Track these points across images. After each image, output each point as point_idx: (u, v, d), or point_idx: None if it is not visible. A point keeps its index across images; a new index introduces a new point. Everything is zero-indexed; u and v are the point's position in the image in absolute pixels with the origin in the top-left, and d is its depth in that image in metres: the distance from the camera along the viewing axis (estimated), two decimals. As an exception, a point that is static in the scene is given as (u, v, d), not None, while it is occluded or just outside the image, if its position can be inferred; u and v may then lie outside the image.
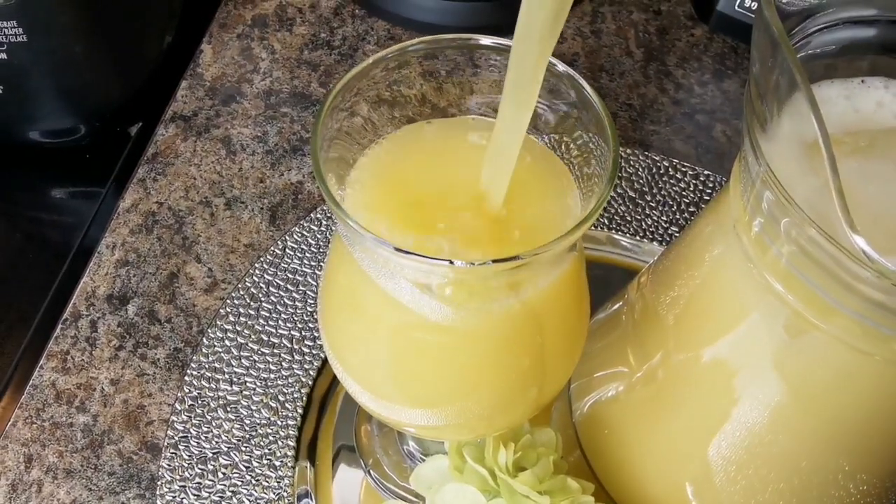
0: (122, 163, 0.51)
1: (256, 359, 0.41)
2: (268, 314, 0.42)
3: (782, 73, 0.23)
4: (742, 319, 0.29)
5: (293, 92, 0.52)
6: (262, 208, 0.47)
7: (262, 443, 0.38)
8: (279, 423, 0.39)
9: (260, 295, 0.42)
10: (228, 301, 0.42)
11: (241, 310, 0.42)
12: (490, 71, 0.29)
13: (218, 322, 0.41)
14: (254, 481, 0.38)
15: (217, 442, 0.38)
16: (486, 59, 0.29)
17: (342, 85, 0.27)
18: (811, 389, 0.29)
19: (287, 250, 0.44)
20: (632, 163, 0.47)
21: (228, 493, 0.37)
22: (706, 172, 0.47)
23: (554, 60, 0.27)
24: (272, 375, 0.40)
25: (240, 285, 0.42)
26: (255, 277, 0.43)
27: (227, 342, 0.41)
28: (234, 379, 0.40)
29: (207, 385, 0.40)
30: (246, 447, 0.38)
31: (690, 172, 0.47)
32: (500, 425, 0.32)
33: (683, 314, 0.32)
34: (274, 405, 0.39)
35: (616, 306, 0.37)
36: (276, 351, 0.41)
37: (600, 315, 0.38)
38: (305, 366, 0.41)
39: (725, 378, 0.30)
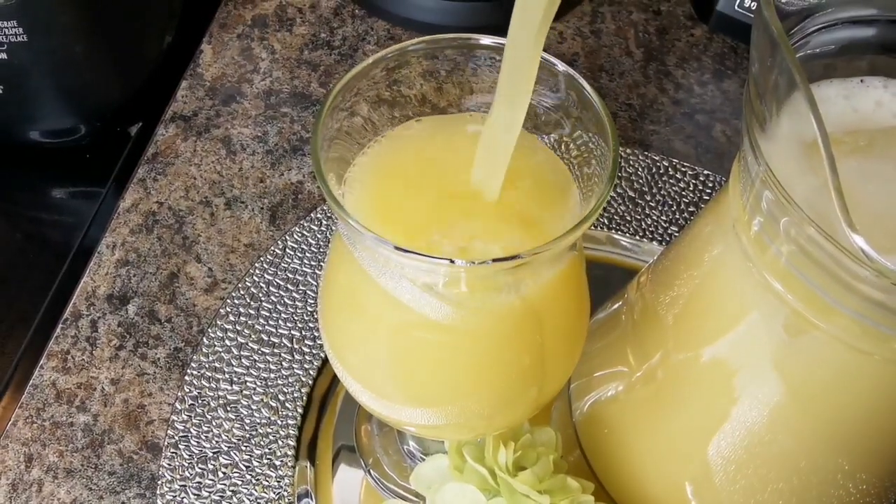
0: (122, 163, 0.51)
1: (257, 358, 0.41)
2: (268, 314, 0.42)
3: (781, 73, 0.23)
4: (741, 319, 0.29)
5: (293, 92, 0.52)
6: (262, 208, 0.47)
7: (262, 442, 0.38)
8: (279, 422, 0.39)
9: (260, 295, 0.42)
10: (229, 301, 0.42)
11: (242, 309, 0.42)
12: (490, 71, 0.29)
13: (218, 322, 0.41)
14: (254, 481, 0.38)
15: (217, 441, 0.38)
16: (485, 58, 0.29)
17: (342, 85, 0.27)
18: (810, 389, 0.29)
19: (287, 250, 0.44)
20: (631, 162, 0.47)
21: (229, 493, 0.37)
22: (706, 172, 0.47)
23: (554, 60, 0.27)
24: (272, 375, 0.40)
25: (240, 285, 0.42)
26: (255, 277, 0.43)
27: (227, 342, 0.41)
28: (235, 378, 0.40)
29: (208, 385, 0.40)
30: (246, 447, 0.38)
31: (690, 172, 0.47)
32: (500, 424, 0.32)
33: (683, 314, 0.32)
34: (274, 405, 0.39)
35: (616, 306, 0.37)
36: (276, 350, 0.41)
37: (600, 315, 0.38)
38: (305, 365, 0.41)
39: (725, 377, 0.30)
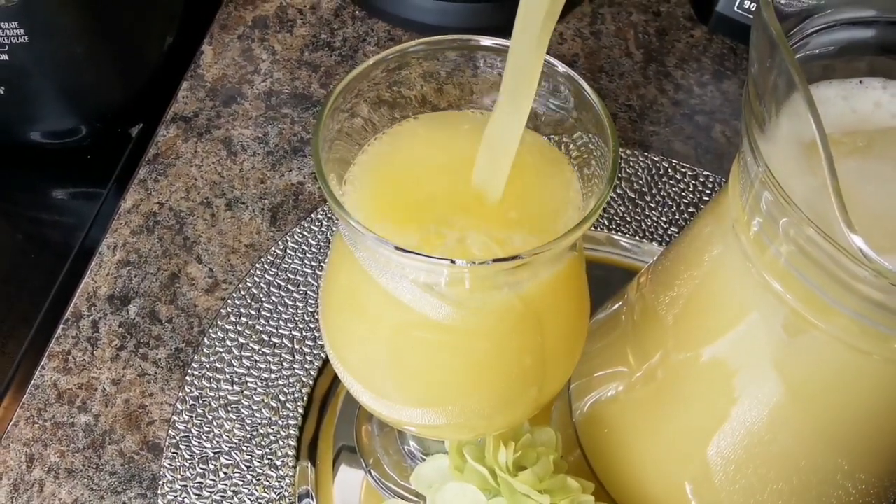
0: (123, 163, 0.51)
1: (257, 359, 0.41)
2: (269, 314, 0.42)
3: (780, 74, 0.23)
4: (741, 319, 0.29)
5: (294, 93, 0.52)
6: (262, 209, 0.47)
7: (263, 442, 0.39)
8: (280, 422, 0.39)
9: (261, 295, 0.42)
10: (229, 301, 0.42)
11: (242, 310, 0.42)
12: (490, 72, 0.29)
13: (219, 322, 0.41)
14: (255, 481, 0.38)
15: (218, 442, 0.38)
16: (486, 60, 0.29)
17: (343, 86, 0.27)
18: (810, 389, 0.29)
19: (288, 251, 0.44)
20: (631, 163, 0.47)
21: (230, 493, 0.37)
22: (705, 173, 0.47)
23: (554, 61, 0.27)
24: (273, 375, 0.40)
25: (241, 285, 0.43)
26: (255, 278, 0.43)
27: (228, 342, 0.41)
28: (236, 379, 0.40)
29: (208, 385, 0.40)
30: (247, 447, 0.38)
31: (690, 173, 0.47)
32: (501, 424, 0.32)
33: (683, 314, 0.32)
34: (275, 405, 0.40)
35: (616, 306, 0.37)
36: (276, 351, 0.41)
37: (600, 315, 0.38)
38: (306, 366, 0.41)
39: (724, 377, 0.30)
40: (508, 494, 0.32)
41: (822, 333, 0.27)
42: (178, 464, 0.38)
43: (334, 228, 0.45)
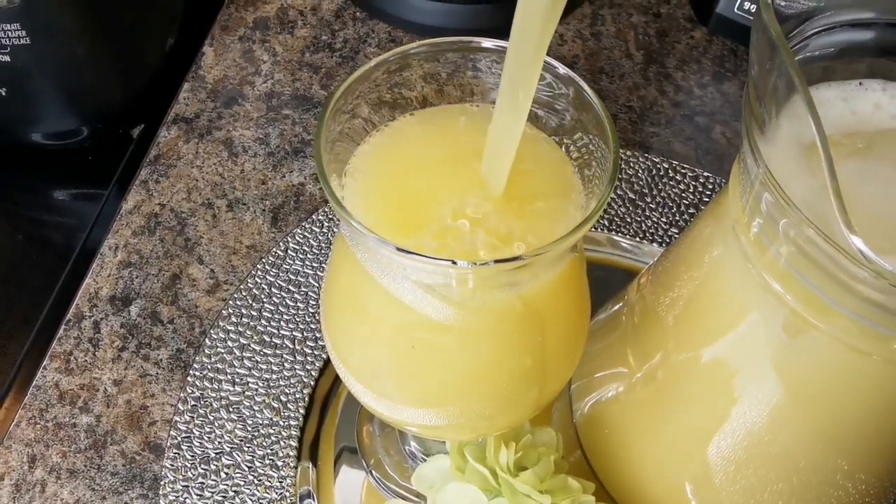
0: (124, 164, 0.51)
1: (259, 359, 0.41)
2: (270, 315, 0.42)
3: (780, 76, 0.23)
4: (741, 320, 0.29)
5: (294, 94, 0.52)
6: (263, 210, 0.47)
7: (264, 443, 0.39)
8: (281, 423, 0.39)
9: (262, 296, 0.42)
10: (231, 302, 0.42)
11: (244, 311, 0.42)
12: (491, 73, 0.29)
13: (220, 323, 0.42)
14: (256, 481, 0.38)
15: (220, 442, 0.39)
16: (486, 61, 0.29)
17: (345, 88, 0.27)
18: (810, 389, 0.29)
19: (289, 251, 0.44)
20: (632, 164, 0.47)
21: (231, 493, 0.37)
22: (706, 174, 0.47)
23: (555, 63, 0.27)
24: (274, 376, 0.40)
25: (242, 286, 0.43)
26: (257, 278, 0.43)
27: (229, 343, 0.41)
28: (237, 379, 0.40)
29: (210, 385, 0.40)
30: (248, 447, 0.38)
31: (690, 174, 0.47)
32: (502, 425, 0.32)
33: (683, 315, 0.32)
34: (276, 405, 0.40)
35: (616, 307, 0.37)
36: (278, 352, 0.41)
37: (601, 316, 0.38)
38: (307, 366, 0.41)
39: (725, 378, 0.30)
40: (509, 495, 0.32)
41: (822, 334, 0.27)
42: (180, 464, 0.38)
43: (335, 229, 0.45)
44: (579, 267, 0.29)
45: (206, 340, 0.41)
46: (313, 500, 0.38)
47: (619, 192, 0.47)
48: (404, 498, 0.38)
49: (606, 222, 0.46)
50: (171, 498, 0.37)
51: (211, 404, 0.39)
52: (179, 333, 0.43)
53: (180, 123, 0.50)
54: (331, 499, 0.38)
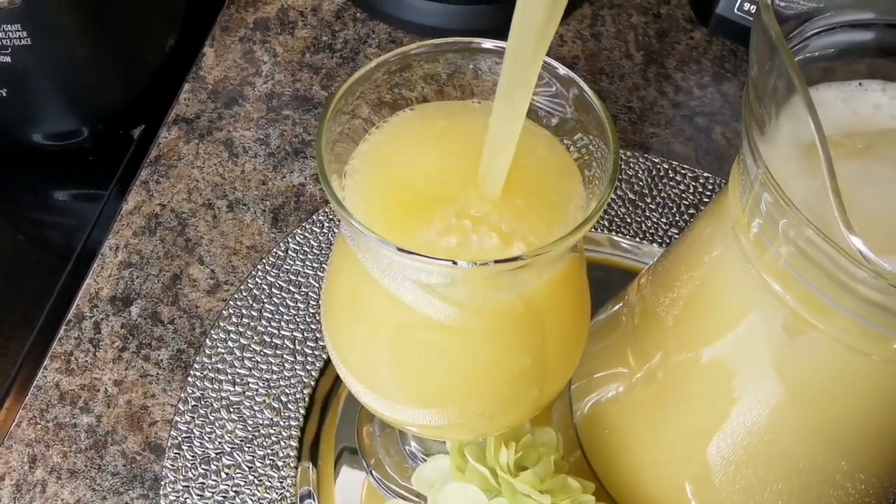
0: (124, 165, 0.51)
1: (259, 360, 0.41)
2: (270, 315, 0.42)
3: (780, 77, 0.23)
4: (741, 320, 0.29)
5: (295, 95, 0.52)
6: (264, 210, 0.47)
7: (264, 443, 0.39)
8: (282, 423, 0.39)
9: (262, 296, 0.42)
10: (231, 302, 0.42)
11: (244, 311, 0.42)
12: (491, 74, 0.29)
13: (221, 323, 0.42)
14: (256, 481, 0.38)
15: (220, 442, 0.39)
16: (486, 62, 0.29)
17: (345, 89, 0.27)
18: (810, 389, 0.29)
19: (289, 252, 0.44)
20: (632, 165, 0.47)
21: (231, 494, 0.37)
22: (705, 174, 0.47)
23: (555, 63, 0.27)
24: (275, 376, 0.40)
25: (242, 287, 0.43)
26: (257, 279, 0.43)
27: (229, 343, 0.41)
28: (237, 380, 0.40)
29: (210, 386, 0.40)
30: (249, 447, 0.39)
31: (690, 174, 0.47)
32: (502, 425, 0.32)
33: (683, 315, 0.32)
34: (276, 406, 0.40)
35: (616, 307, 0.37)
36: (278, 352, 0.41)
37: (601, 316, 0.38)
38: (308, 366, 0.41)
39: (724, 378, 0.30)
40: (509, 495, 0.32)
41: (822, 334, 0.27)
42: (180, 464, 0.38)
43: (336, 230, 0.45)
44: (579, 267, 0.29)
45: (207, 341, 0.41)
46: (313, 500, 0.38)
47: (619, 192, 0.47)
48: (404, 498, 0.38)
49: (606, 223, 0.46)
50: (171, 498, 0.37)
51: (211, 404, 0.39)
52: (180, 334, 0.43)
53: (181, 124, 0.50)
54: (331, 499, 0.38)
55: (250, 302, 0.42)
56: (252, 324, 0.42)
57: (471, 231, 0.26)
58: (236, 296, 0.42)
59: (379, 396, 0.30)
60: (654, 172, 0.47)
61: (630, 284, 0.37)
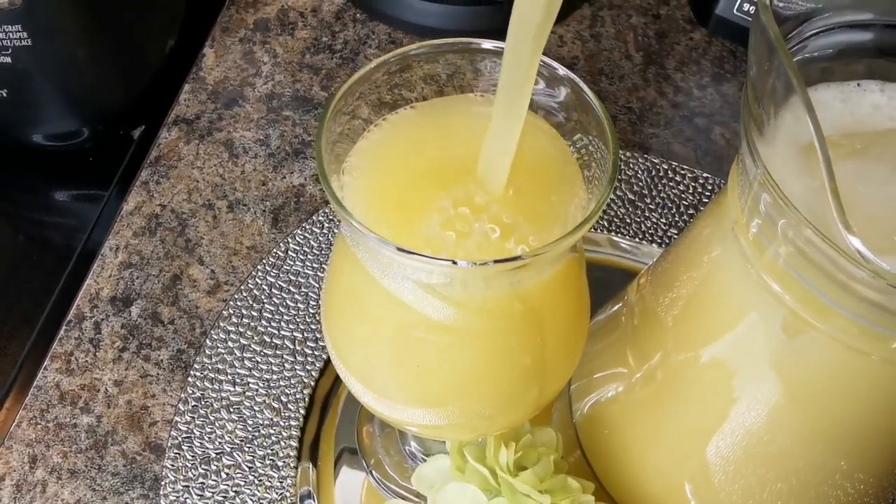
0: (125, 166, 0.51)
1: (259, 360, 0.41)
2: (270, 316, 0.42)
3: (779, 77, 0.23)
4: (740, 320, 0.29)
5: (295, 95, 0.52)
6: (264, 211, 0.47)
7: (264, 443, 0.39)
8: (282, 423, 0.39)
9: (262, 297, 0.42)
10: (231, 303, 0.42)
11: (244, 311, 0.42)
12: (491, 74, 0.29)
13: (221, 323, 0.42)
14: (256, 482, 0.38)
15: (220, 442, 0.39)
16: (486, 62, 0.29)
17: (345, 89, 0.27)
18: (809, 389, 0.29)
19: (289, 252, 0.44)
20: (631, 165, 0.48)
21: (231, 494, 0.37)
22: (705, 175, 0.47)
23: (554, 64, 0.27)
24: (275, 376, 0.40)
25: (242, 287, 0.43)
26: (257, 279, 0.43)
27: (229, 343, 0.41)
28: (237, 380, 0.40)
29: (210, 386, 0.40)
30: (249, 448, 0.39)
31: (689, 175, 0.47)
32: (502, 425, 0.32)
33: (682, 315, 0.32)
34: (276, 406, 0.40)
35: (616, 307, 0.38)
36: (278, 352, 0.41)
37: (600, 316, 0.38)
38: (308, 367, 0.41)
39: (724, 378, 0.30)
40: (509, 494, 0.32)
41: (821, 334, 0.27)
42: (181, 464, 0.38)
43: (336, 230, 0.45)
44: (579, 267, 0.29)
45: (207, 341, 0.41)
46: (313, 500, 0.38)
47: (618, 192, 0.47)
48: (404, 498, 0.38)
49: (606, 223, 0.46)
50: (171, 498, 0.37)
51: (211, 405, 0.40)
52: (180, 334, 0.43)
53: (181, 125, 0.50)
54: (331, 499, 0.38)
55: (250, 302, 0.42)
56: (252, 324, 0.42)
57: (471, 230, 0.26)
58: (236, 296, 0.42)
59: (379, 396, 0.31)
60: (653, 173, 0.47)
61: (630, 285, 0.37)
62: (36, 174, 0.51)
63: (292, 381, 0.40)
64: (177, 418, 0.39)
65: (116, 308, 0.43)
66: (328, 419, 0.40)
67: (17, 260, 0.48)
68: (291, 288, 0.43)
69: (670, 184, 0.47)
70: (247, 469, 0.38)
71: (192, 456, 0.38)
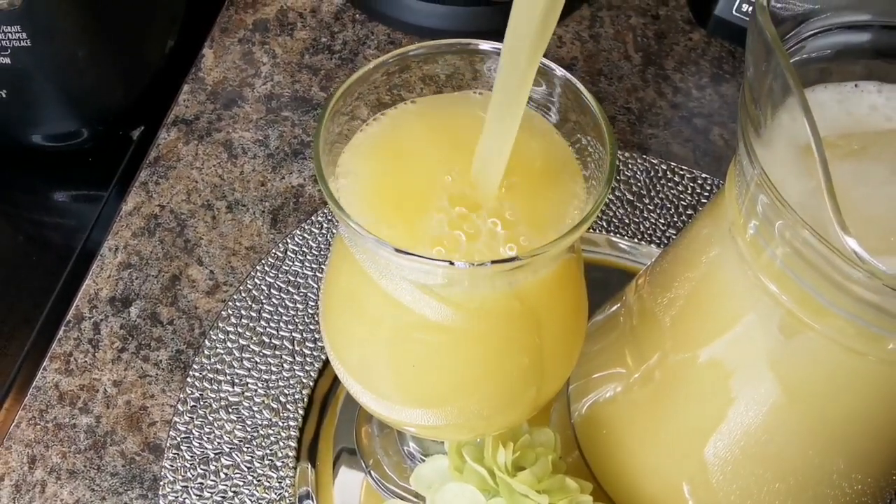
0: (124, 166, 0.51)
1: (258, 360, 0.41)
2: (269, 316, 0.42)
3: (776, 78, 0.23)
4: (738, 320, 0.29)
5: (294, 96, 0.52)
6: (263, 211, 0.47)
7: (263, 443, 0.39)
8: (280, 423, 0.39)
9: (261, 297, 0.43)
10: (230, 303, 0.42)
11: (243, 312, 0.42)
12: (489, 75, 0.29)
13: (220, 324, 0.42)
14: (255, 482, 0.38)
15: (219, 443, 0.39)
16: (485, 63, 0.29)
17: (344, 89, 0.27)
18: (806, 389, 0.29)
19: (288, 253, 0.44)
20: (630, 166, 0.48)
21: (230, 494, 0.37)
22: (703, 175, 0.47)
23: (552, 65, 0.27)
24: (273, 377, 0.41)
25: (241, 287, 0.43)
26: (256, 280, 0.43)
27: (228, 344, 0.41)
28: (236, 380, 0.40)
29: (209, 386, 0.40)
30: (248, 448, 0.39)
31: (688, 175, 0.47)
32: (500, 425, 0.32)
33: (680, 315, 0.32)
34: (275, 406, 0.40)
35: (614, 308, 0.38)
36: (277, 352, 0.41)
37: (599, 317, 0.39)
38: (306, 367, 0.41)
39: (721, 378, 0.30)
40: (507, 494, 0.32)
41: (818, 335, 0.27)
42: (179, 465, 0.38)
43: (334, 231, 0.45)
44: (576, 267, 0.30)
45: (206, 341, 0.41)
46: (312, 500, 0.38)
47: (617, 193, 0.47)
48: (403, 498, 0.38)
49: (605, 223, 0.46)
50: (170, 498, 0.37)
51: (210, 405, 0.40)
52: (179, 334, 0.43)
53: (180, 125, 0.50)
54: (330, 499, 0.39)
55: (249, 303, 0.42)
56: (251, 324, 0.42)
57: (469, 231, 0.26)
58: (235, 296, 0.42)
59: (377, 397, 0.31)
60: (652, 173, 0.47)
61: (628, 285, 0.37)
62: (35, 174, 0.51)
63: (291, 382, 0.40)
64: (175, 418, 0.39)
65: (115, 308, 0.44)
66: (327, 419, 0.41)
67: (16, 260, 0.48)
68: (290, 288, 0.43)
69: (669, 184, 0.47)
70: (245, 469, 0.38)
71: (191, 456, 0.38)
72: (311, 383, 0.41)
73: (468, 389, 0.29)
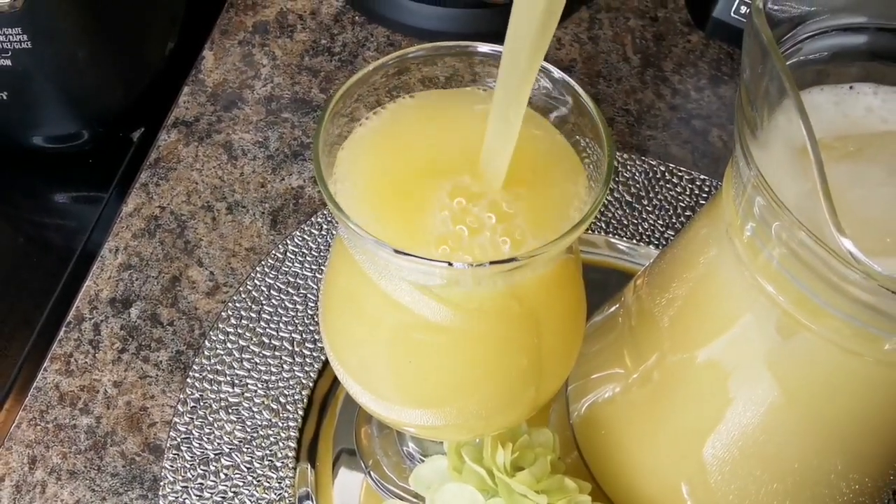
0: (124, 168, 0.51)
1: (258, 361, 0.41)
2: (269, 317, 0.42)
3: (772, 80, 0.23)
4: (735, 321, 0.29)
5: (294, 98, 0.52)
6: (263, 212, 0.47)
7: (263, 444, 0.39)
8: (280, 424, 0.39)
9: (261, 298, 0.43)
10: (230, 304, 0.42)
11: (243, 313, 0.42)
12: (488, 77, 0.29)
13: (220, 325, 0.42)
14: (255, 482, 0.38)
15: (219, 443, 0.39)
16: (484, 66, 0.29)
17: (343, 91, 0.27)
18: (803, 390, 0.29)
19: (288, 254, 0.44)
20: (628, 167, 0.48)
21: (230, 494, 0.38)
22: (702, 177, 0.48)
23: (550, 67, 0.27)
24: (273, 377, 0.41)
25: (241, 288, 0.43)
26: (256, 281, 0.43)
27: (228, 345, 0.41)
28: (236, 381, 0.40)
29: (209, 387, 0.40)
30: (247, 448, 0.39)
31: (686, 177, 0.48)
32: (499, 425, 0.32)
33: (678, 316, 0.32)
34: (275, 407, 0.40)
35: (613, 309, 0.38)
36: (277, 353, 0.41)
37: (597, 318, 0.39)
38: (306, 368, 0.41)
39: (719, 379, 0.31)
40: (506, 495, 0.33)
41: (815, 335, 0.27)
42: (179, 465, 0.38)
43: (334, 232, 0.45)
44: (575, 268, 0.30)
45: (206, 342, 0.41)
46: (312, 501, 0.38)
47: (616, 194, 0.47)
48: (402, 498, 0.38)
49: (604, 224, 0.46)
50: (170, 499, 0.37)
51: (210, 406, 0.40)
52: (179, 335, 0.43)
53: (180, 127, 0.51)
54: (329, 500, 0.39)
55: (249, 304, 0.42)
56: (251, 325, 0.42)
57: (468, 231, 0.26)
58: (235, 297, 0.43)
59: (377, 397, 0.31)
60: (650, 175, 0.48)
61: (626, 286, 0.37)
62: (36, 176, 0.52)
63: (291, 382, 0.41)
64: (176, 419, 0.39)
65: (116, 309, 0.44)
66: (326, 420, 0.41)
67: (17, 261, 0.48)
68: (290, 289, 0.43)
69: (667, 186, 0.47)
70: (245, 470, 0.38)
71: (191, 457, 0.38)
72: (311, 384, 0.41)
73: (467, 390, 0.29)
